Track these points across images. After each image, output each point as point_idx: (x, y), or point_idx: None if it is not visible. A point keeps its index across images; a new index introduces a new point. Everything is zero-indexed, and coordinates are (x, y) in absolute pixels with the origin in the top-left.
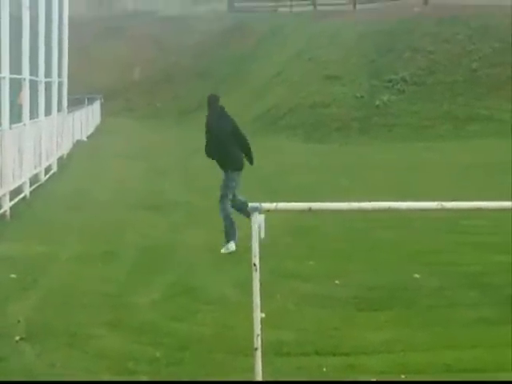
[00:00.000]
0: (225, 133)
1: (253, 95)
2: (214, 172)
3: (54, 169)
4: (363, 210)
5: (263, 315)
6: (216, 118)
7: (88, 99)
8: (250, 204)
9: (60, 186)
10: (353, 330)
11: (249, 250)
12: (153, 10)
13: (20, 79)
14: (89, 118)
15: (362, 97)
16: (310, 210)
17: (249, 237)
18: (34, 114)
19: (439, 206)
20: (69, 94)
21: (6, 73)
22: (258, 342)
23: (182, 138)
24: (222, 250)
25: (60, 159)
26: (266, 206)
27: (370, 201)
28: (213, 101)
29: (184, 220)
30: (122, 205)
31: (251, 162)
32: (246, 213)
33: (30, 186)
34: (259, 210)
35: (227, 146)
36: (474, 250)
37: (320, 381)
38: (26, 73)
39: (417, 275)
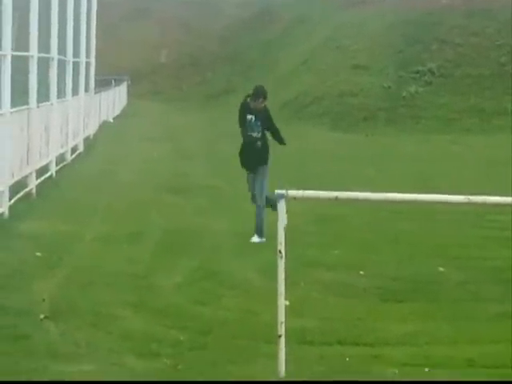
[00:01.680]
0: None
1: (280, 82)
2: (237, 157)
3: (81, 149)
4: (389, 201)
5: (287, 303)
6: None
7: (115, 80)
8: (276, 191)
9: (86, 166)
10: (376, 320)
11: (273, 236)
12: None
13: (48, 58)
14: (115, 99)
15: (389, 87)
16: (336, 198)
17: (273, 224)
18: (61, 93)
19: (466, 200)
20: (96, 74)
21: (34, 52)
22: (281, 330)
23: (208, 121)
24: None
25: (86, 139)
26: (293, 193)
27: (394, 192)
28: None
29: (209, 204)
30: (148, 187)
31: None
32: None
33: (56, 165)
34: (285, 198)
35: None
36: (498, 244)
37: (322, 381)
38: (54, 52)
39: (441, 268)
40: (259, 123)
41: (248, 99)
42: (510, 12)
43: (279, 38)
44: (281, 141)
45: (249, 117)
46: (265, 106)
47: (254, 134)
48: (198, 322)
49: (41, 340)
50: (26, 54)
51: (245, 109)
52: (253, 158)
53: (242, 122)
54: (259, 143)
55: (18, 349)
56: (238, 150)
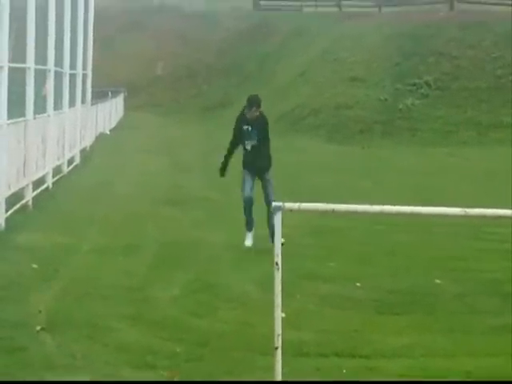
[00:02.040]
0: None
1: (276, 94)
2: (235, 169)
3: (77, 161)
4: (386, 213)
5: (283, 315)
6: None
7: (112, 92)
8: (272, 203)
9: (82, 178)
10: (373, 332)
11: (269, 249)
12: (178, 5)
13: (45, 70)
14: (112, 111)
15: (385, 100)
16: (333, 211)
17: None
18: (58, 105)
19: (463, 213)
20: (93, 86)
21: (31, 63)
22: (278, 342)
23: (204, 134)
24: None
25: (83, 151)
26: (289, 205)
27: (390, 204)
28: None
29: (205, 216)
30: (144, 199)
31: None
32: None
33: (53, 176)
34: (282, 210)
35: None
36: (496, 257)
37: (323, 381)
38: (51, 64)
39: (438, 281)
40: (256, 132)
41: (244, 110)
42: (506, 25)
43: (276, 51)
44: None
45: (245, 127)
46: (262, 114)
47: (252, 143)
48: (194, 334)
49: (37, 352)
50: (22, 65)
51: (241, 120)
52: (258, 163)
53: (237, 132)
54: (260, 149)
55: (15, 361)
56: (233, 162)
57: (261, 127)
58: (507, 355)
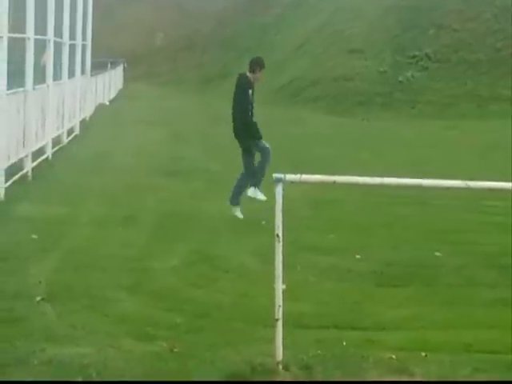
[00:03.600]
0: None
1: (275, 66)
2: (233, 140)
3: (77, 131)
4: (386, 186)
5: (284, 286)
6: None
7: (111, 63)
8: (273, 175)
9: (82, 149)
10: (372, 305)
11: (269, 220)
12: None
13: (44, 40)
14: (111, 82)
15: (385, 72)
16: (334, 183)
17: (268, 208)
18: (57, 75)
19: (464, 185)
20: (92, 57)
21: (30, 33)
22: (279, 313)
23: (203, 105)
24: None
25: (82, 122)
26: (290, 177)
27: (390, 176)
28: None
29: (204, 187)
30: (143, 170)
31: None
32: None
33: (53, 147)
34: (283, 182)
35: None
36: (494, 230)
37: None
38: (50, 34)
39: (437, 253)
40: (252, 96)
41: (247, 73)
42: None
43: (275, 22)
44: None
45: (250, 91)
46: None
47: (253, 110)
48: (194, 305)
49: (37, 322)
50: (22, 35)
51: (247, 83)
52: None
53: (247, 98)
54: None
55: (15, 331)
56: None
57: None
58: (506, 327)
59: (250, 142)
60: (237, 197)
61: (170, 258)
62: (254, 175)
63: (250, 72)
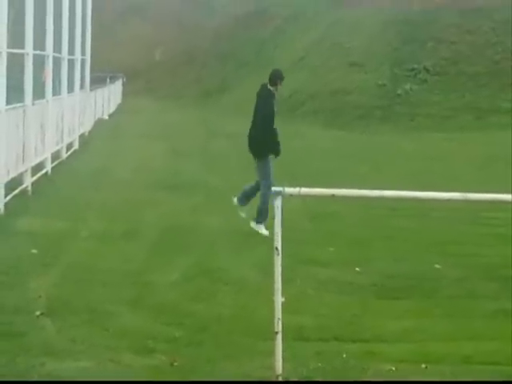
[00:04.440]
0: None
1: None
2: (233, 154)
3: (76, 146)
4: (385, 198)
5: (283, 299)
6: None
7: (110, 78)
8: (272, 188)
9: (81, 164)
10: (372, 317)
11: (269, 233)
12: None
13: (43, 56)
14: (110, 96)
15: (384, 85)
16: (333, 196)
17: (269, 221)
18: (56, 90)
19: (462, 197)
20: (91, 72)
21: (29, 49)
22: (278, 326)
23: (202, 119)
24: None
25: (81, 137)
26: (289, 190)
27: (389, 189)
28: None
29: (204, 201)
30: (143, 184)
31: None
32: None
33: (52, 162)
34: (282, 195)
35: None
36: (494, 241)
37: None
38: (49, 50)
39: (437, 265)
40: (276, 108)
41: (269, 87)
42: (504, 10)
43: (274, 36)
44: None
45: (274, 102)
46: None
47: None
48: (194, 318)
49: (37, 337)
50: (21, 51)
51: (270, 95)
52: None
53: (272, 107)
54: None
55: (15, 346)
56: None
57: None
58: (506, 339)
59: (267, 152)
60: (265, 214)
61: (170, 272)
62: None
63: (271, 85)
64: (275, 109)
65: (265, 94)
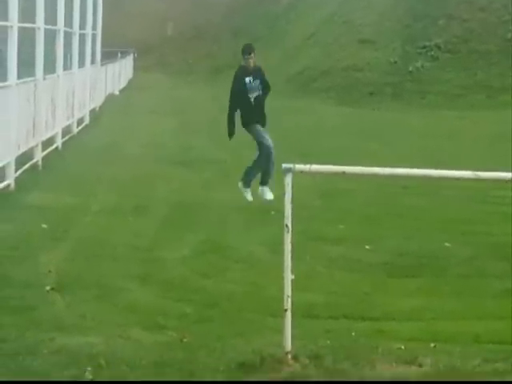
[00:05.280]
0: None
1: (286, 56)
2: (243, 130)
3: (87, 121)
4: (396, 176)
5: (293, 277)
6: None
7: (121, 53)
8: (283, 165)
9: (92, 139)
10: (382, 295)
11: (279, 210)
12: None
13: (54, 30)
14: (121, 71)
15: (395, 62)
16: (344, 173)
17: (279, 198)
18: (67, 65)
19: (473, 176)
20: (102, 46)
21: (40, 23)
22: (288, 304)
23: (213, 95)
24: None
25: (92, 112)
26: (300, 167)
27: (400, 167)
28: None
29: (215, 177)
30: (153, 159)
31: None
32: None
33: (62, 137)
34: (292, 172)
35: None
36: (505, 220)
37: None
38: (60, 24)
39: (447, 244)
40: (258, 82)
41: (242, 63)
42: None
43: (285, 12)
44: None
45: (247, 79)
46: (259, 66)
47: (256, 93)
48: (204, 294)
49: (47, 312)
50: (32, 25)
51: (241, 73)
52: (263, 114)
53: (239, 85)
54: (262, 100)
55: (25, 320)
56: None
57: (261, 77)
58: None
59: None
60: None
61: (180, 247)
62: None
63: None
64: (252, 84)
65: (236, 72)
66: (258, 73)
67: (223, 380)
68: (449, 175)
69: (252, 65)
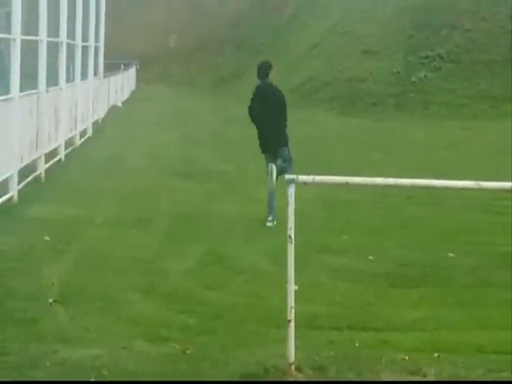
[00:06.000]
0: None
1: (289, 67)
2: (247, 142)
3: (89, 133)
4: (399, 186)
5: (296, 287)
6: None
7: (124, 65)
8: (286, 176)
9: (95, 151)
10: (386, 306)
11: (282, 221)
12: None
13: (57, 43)
14: (124, 83)
15: (398, 72)
16: (347, 184)
17: (282, 209)
18: (70, 77)
19: (477, 186)
20: (105, 59)
21: (43, 36)
22: (291, 315)
23: (217, 106)
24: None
25: (95, 124)
26: (303, 178)
27: (403, 177)
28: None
29: (218, 189)
30: (156, 171)
31: None
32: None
33: (65, 149)
34: (296, 183)
35: None
36: (508, 230)
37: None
38: (63, 36)
39: (451, 254)
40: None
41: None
42: None
43: (288, 23)
44: None
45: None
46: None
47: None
48: (207, 306)
49: (50, 324)
50: (35, 38)
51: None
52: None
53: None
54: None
55: (28, 333)
56: (245, 135)
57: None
58: None
59: None
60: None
61: (183, 259)
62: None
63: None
64: (257, 104)
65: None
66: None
67: (225, 380)
68: (452, 185)
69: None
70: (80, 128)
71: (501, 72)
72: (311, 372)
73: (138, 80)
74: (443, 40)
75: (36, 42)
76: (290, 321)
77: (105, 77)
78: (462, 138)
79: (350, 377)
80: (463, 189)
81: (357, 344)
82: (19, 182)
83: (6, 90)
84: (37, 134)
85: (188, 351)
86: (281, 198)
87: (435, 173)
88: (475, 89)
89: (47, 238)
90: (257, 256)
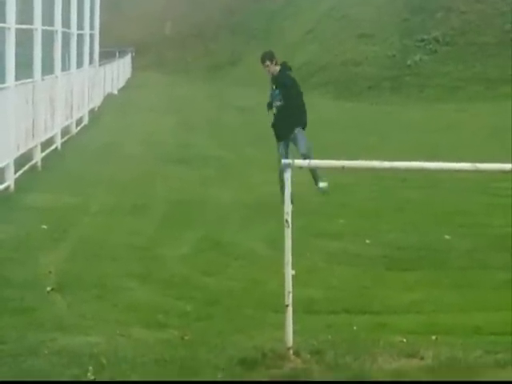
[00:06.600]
0: None
1: (284, 52)
2: (243, 127)
3: (85, 121)
4: (395, 170)
5: (294, 272)
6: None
7: (119, 52)
8: (282, 161)
9: (91, 139)
10: (383, 289)
11: (278, 207)
12: None
13: (52, 31)
14: (120, 71)
15: (393, 56)
16: (343, 168)
17: (277, 193)
18: (65, 66)
19: (473, 168)
20: (100, 46)
21: (38, 24)
22: (289, 299)
23: (212, 92)
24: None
25: (91, 112)
26: (299, 162)
27: (399, 160)
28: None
29: (214, 175)
30: (152, 158)
31: None
32: None
33: (62, 137)
34: (292, 167)
35: None
36: (505, 212)
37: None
38: (58, 25)
39: (447, 236)
40: (277, 91)
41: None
42: None
43: (283, 8)
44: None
45: (273, 87)
46: (283, 73)
47: (278, 103)
48: (204, 292)
49: (47, 312)
50: (29, 26)
51: (271, 81)
52: (285, 124)
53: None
54: (283, 110)
55: (26, 321)
56: (241, 120)
57: (282, 85)
58: None
59: None
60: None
61: (179, 245)
62: None
63: None
64: (274, 93)
65: None
66: (278, 82)
67: (225, 380)
68: (448, 167)
69: (271, 73)
70: (76, 116)
71: (496, 54)
72: (309, 356)
73: (133, 67)
74: (438, 23)
75: (31, 30)
76: (287, 305)
77: (100, 65)
78: (458, 120)
79: (348, 360)
80: (459, 171)
81: (354, 327)
82: (16, 171)
83: (2, 79)
84: (33, 122)
85: (186, 337)
86: (275, 184)
87: (431, 155)
88: (470, 71)
89: (44, 227)
90: (253, 241)
